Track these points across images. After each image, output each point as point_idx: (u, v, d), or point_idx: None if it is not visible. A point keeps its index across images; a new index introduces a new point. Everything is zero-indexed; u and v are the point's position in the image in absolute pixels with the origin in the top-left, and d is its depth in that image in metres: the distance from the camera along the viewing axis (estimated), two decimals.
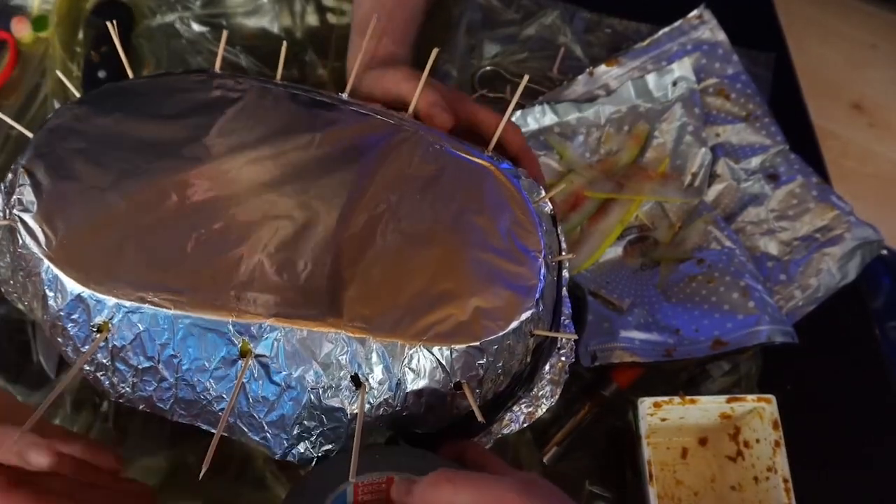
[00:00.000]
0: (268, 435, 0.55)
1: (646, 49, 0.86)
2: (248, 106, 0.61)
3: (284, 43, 0.65)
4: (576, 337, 0.57)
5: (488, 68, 0.86)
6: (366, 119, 0.61)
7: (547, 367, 0.58)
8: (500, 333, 0.52)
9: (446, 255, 0.55)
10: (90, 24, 0.86)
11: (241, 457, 0.67)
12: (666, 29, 0.87)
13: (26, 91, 0.83)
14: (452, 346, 0.51)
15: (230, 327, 0.51)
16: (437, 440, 0.57)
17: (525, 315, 0.53)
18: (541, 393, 0.58)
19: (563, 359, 0.58)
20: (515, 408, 0.58)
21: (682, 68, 0.82)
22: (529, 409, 0.58)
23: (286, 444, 0.55)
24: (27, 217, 0.54)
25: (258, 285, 0.52)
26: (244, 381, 0.52)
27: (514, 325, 0.53)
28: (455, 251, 0.55)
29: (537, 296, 0.55)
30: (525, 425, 0.58)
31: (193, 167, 0.57)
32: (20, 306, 0.61)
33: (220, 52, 0.64)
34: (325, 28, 0.88)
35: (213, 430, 0.56)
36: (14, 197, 0.54)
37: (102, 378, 0.56)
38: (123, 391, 0.56)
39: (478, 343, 0.52)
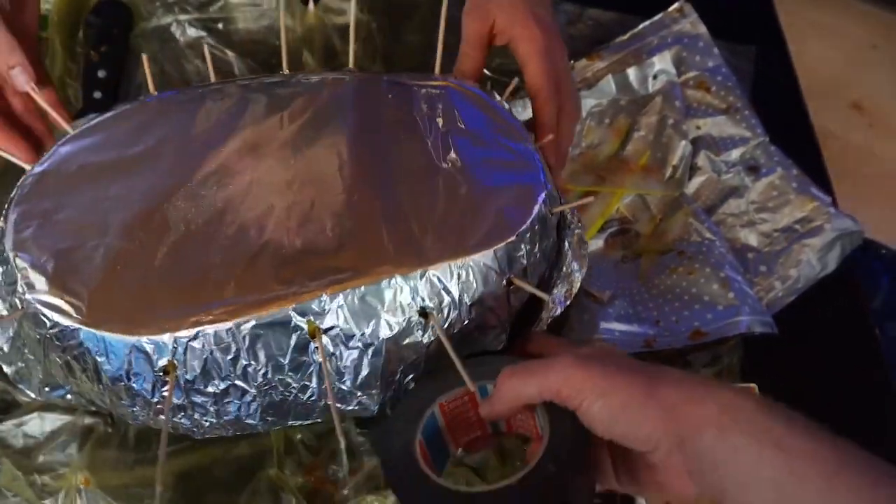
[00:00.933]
0: (361, 399, 0.55)
1: (627, 43, 0.87)
2: (206, 112, 0.62)
3: (205, 46, 0.68)
4: (590, 199, 0.61)
5: None
6: (320, 84, 0.64)
7: (567, 246, 0.60)
8: (528, 221, 0.56)
9: (451, 176, 0.58)
10: (90, 23, 0.86)
11: (250, 470, 0.65)
12: (646, 23, 0.87)
13: None
14: (494, 248, 0.54)
15: (292, 314, 0.51)
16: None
17: (541, 197, 0.57)
18: (570, 270, 0.61)
19: (577, 231, 0.61)
20: (555, 291, 0.60)
21: (662, 61, 0.83)
22: (566, 287, 0.61)
23: (380, 399, 0.56)
24: (43, 297, 0.52)
25: (299, 265, 0.53)
26: (323, 358, 0.52)
27: (536, 209, 0.56)
28: (457, 170, 0.58)
29: (542, 177, 0.58)
30: (568, 302, 0.61)
31: (182, 183, 0.58)
32: (57, 398, 0.60)
33: (148, 72, 0.65)
34: (325, 28, 0.88)
35: (304, 423, 0.56)
36: (18, 284, 0.53)
37: (182, 421, 0.55)
38: (207, 424, 0.55)
39: (514, 237, 0.55)
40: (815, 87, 0.99)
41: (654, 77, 0.84)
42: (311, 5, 0.85)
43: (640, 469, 0.51)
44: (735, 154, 0.82)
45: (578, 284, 0.61)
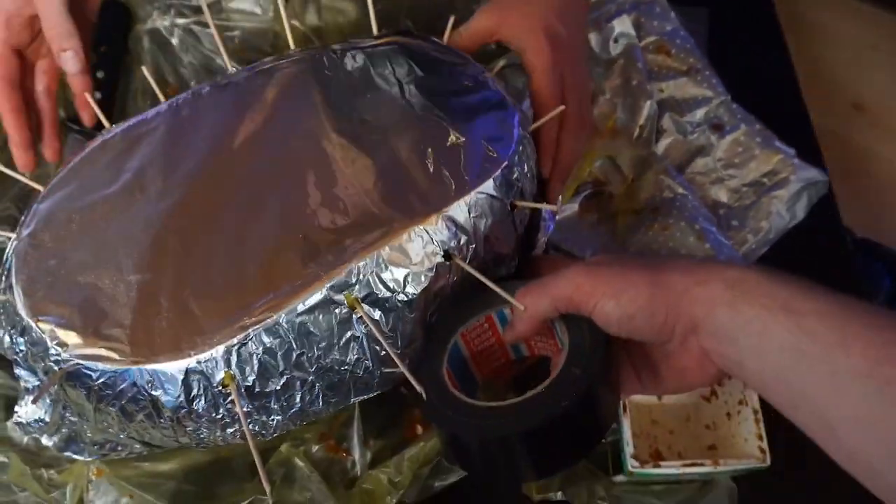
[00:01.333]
0: (409, 359, 0.55)
1: (594, 6, 0.87)
2: (174, 129, 0.62)
3: (144, 69, 0.68)
4: (561, 108, 0.61)
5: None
6: (274, 70, 0.64)
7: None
8: (513, 144, 0.58)
9: (429, 122, 0.59)
10: None
11: (251, 462, 0.64)
12: None
13: None
14: (493, 177, 0.56)
15: (328, 293, 0.52)
16: None
17: (516, 119, 0.59)
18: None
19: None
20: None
21: (621, 25, 0.85)
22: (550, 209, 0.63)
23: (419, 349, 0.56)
24: (80, 350, 0.51)
25: (320, 245, 0.54)
26: (369, 329, 0.53)
27: (517, 132, 0.59)
28: (432, 115, 0.60)
29: (510, 104, 0.60)
30: (556, 217, 0.64)
31: (177, 202, 0.58)
32: (113, 456, 0.60)
33: (101, 114, 0.66)
34: (324, 28, 0.88)
35: (366, 397, 0.56)
36: (50, 348, 0.52)
37: (251, 427, 0.54)
38: (275, 422, 0.55)
39: (506, 161, 0.57)
40: (815, 87, 1.00)
41: (615, 41, 0.86)
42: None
43: (660, 364, 0.53)
44: (699, 114, 0.84)
45: (560, 201, 0.65)
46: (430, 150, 0.58)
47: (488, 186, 0.55)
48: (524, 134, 0.59)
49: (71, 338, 0.52)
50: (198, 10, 0.87)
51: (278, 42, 0.88)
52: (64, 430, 0.59)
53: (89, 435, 0.58)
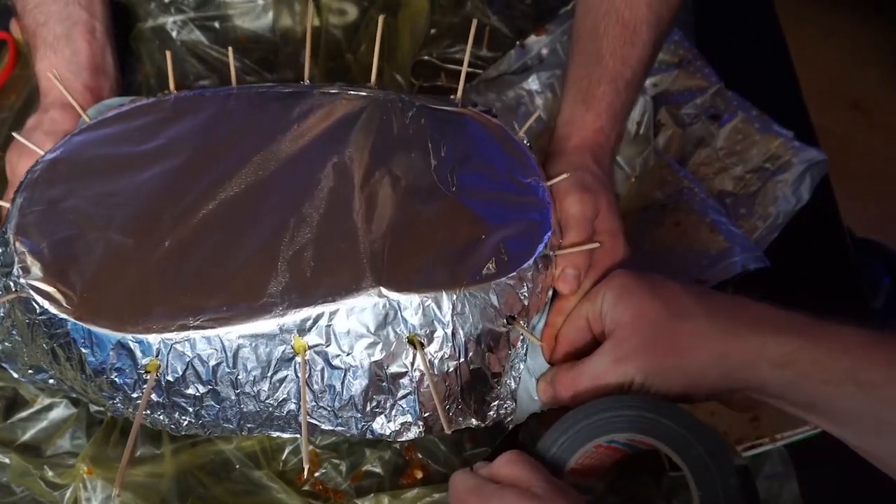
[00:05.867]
0: (341, 420, 0.54)
1: (571, 12, 0.85)
2: (221, 116, 0.62)
3: (230, 49, 0.67)
4: (595, 245, 0.58)
5: (425, 57, 0.87)
6: (337, 97, 0.63)
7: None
8: (531, 259, 0.55)
9: (457, 204, 0.57)
10: None
11: (243, 464, 0.64)
12: None
13: (26, 91, 0.82)
14: (494, 283, 0.52)
15: (279, 329, 0.51)
16: None
17: (546, 237, 0.56)
18: None
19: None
20: None
21: None
22: None
23: (361, 424, 0.54)
24: (37, 283, 0.52)
25: (292, 281, 0.52)
26: (303, 378, 0.51)
27: (540, 248, 0.55)
28: (464, 198, 0.58)
29: (549, 217, 0.57)
30: None
31: (189, 186, 0.58)
32: (40, 381, 0.59)
33: (171, 69, 0.65)
34: (325, 28, 0.87)
35: (283, 435, 0.56)
36: (14, 268, 0.53)
37: (161, 417, 0.55)
38: (185, 423, 0.55)
39: (515, 273, 0.53)
40: (815, 87, 1.00)
41: None
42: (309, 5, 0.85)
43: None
44: (695, 105, 0.83)
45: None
46: (442, 230, 0.56)
47: (485, 289, 0.53)
48: (547, 253, 0.57)
49: (35, 268, 0.53)
50: (198, 6, 0.88)
51: (292, 38, 0.87)
52: (7, 345, 0.58)
53: (25, 359, 0.58)
